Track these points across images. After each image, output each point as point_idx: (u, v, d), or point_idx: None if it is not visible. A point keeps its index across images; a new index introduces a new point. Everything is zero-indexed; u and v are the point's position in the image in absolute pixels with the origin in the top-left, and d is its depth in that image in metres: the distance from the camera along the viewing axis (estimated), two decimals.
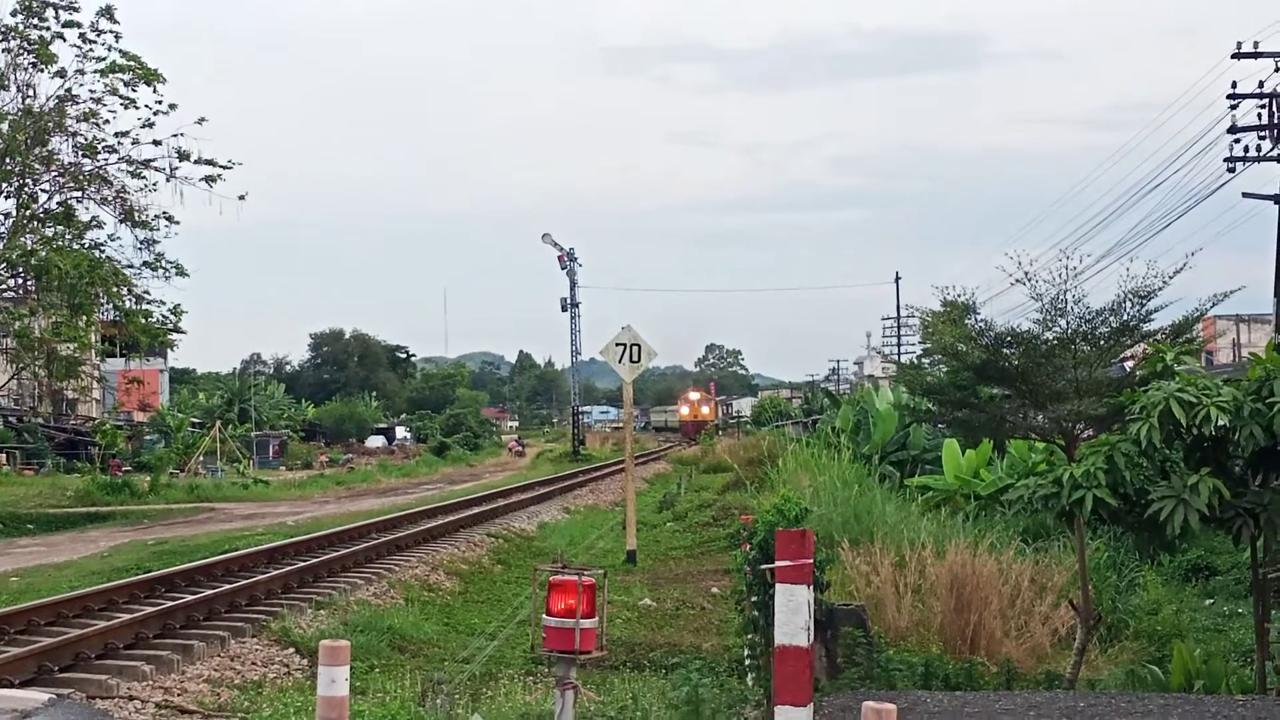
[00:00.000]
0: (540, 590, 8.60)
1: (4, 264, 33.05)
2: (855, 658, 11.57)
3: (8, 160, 32.91)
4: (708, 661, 12.90)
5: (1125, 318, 12.55)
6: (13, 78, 33.33)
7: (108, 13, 33.62)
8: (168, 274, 35.54)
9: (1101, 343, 12.71)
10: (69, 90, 33.77)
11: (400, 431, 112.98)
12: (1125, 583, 17.19)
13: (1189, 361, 11.31)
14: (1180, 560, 19.38)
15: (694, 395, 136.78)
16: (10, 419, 64.16)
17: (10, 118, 32.70)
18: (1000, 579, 14.47)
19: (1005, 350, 13.13)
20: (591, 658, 8.51)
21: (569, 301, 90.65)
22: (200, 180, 34.71)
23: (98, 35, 33.64)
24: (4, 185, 33.65)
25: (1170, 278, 12.35)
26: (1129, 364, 13.99)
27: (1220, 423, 9.83)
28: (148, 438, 69.32)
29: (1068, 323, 12.68)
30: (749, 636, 11.36)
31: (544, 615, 8.44)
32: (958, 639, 13.67)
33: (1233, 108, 37.65)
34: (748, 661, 11.57)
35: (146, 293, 35.36)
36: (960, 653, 13.20)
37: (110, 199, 34.76)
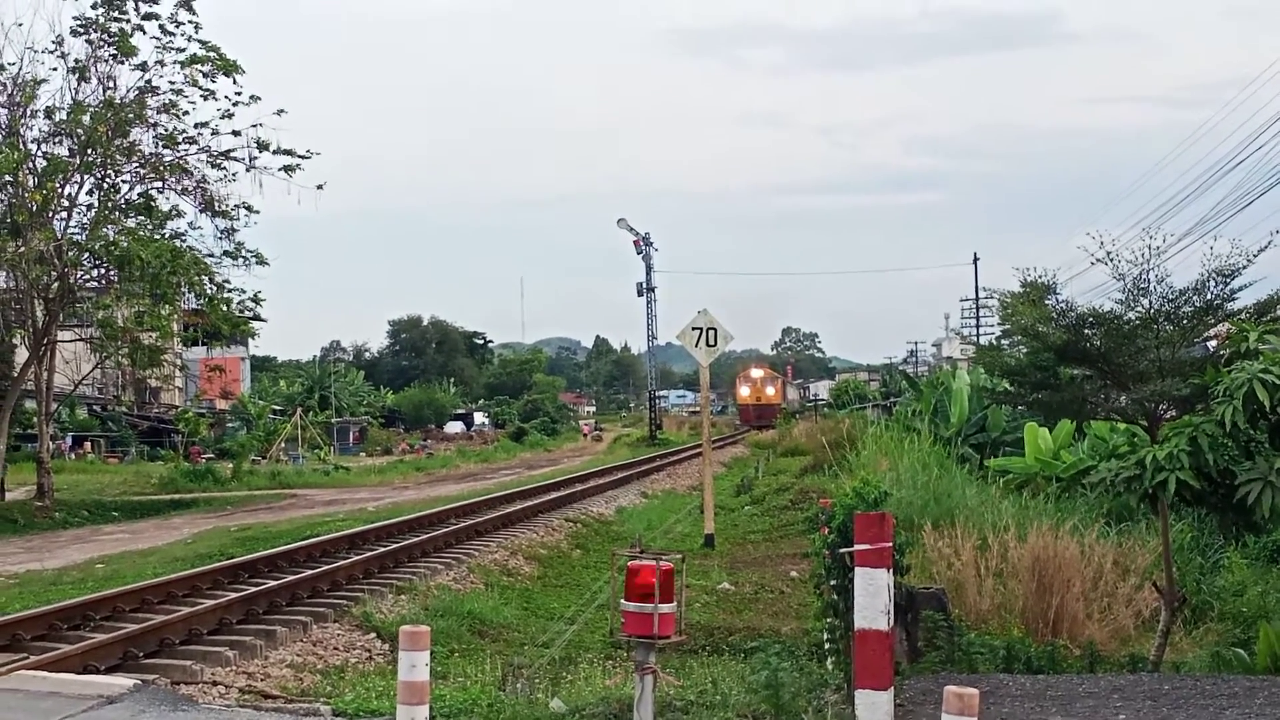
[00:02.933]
0: (618, 575, 8.60)
1: (87, 254, 33.45)
2: (936, 641, 11.51)
3: (89, 151, 33.28)
4: (787, 645, 12.84)
5: (1209, 297, 12.38)
6: (94, 70, 33.67)
7: (187, 4, 33.90)
8: (248, 263, 35.94)
9: (1185, 322, 12.56)
10: (149, 82, 34.09)
11: (478, 417, 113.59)
12: (1210, 564, 16.99)
13: (1273, 341, 11.12)
14: (1266, 541, 19.09)
15: (755, 373, 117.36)
16: (95, 408, 65.10)
17: (92, 109, 33.04)
18: (1083, 561, 14.36)
19: (1087, 331, 13.01)
20: (670, 642, 8.50)
21: (645, 286, 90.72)
22: (279, 170, 35.07)
23: (177, 27, 33.93)
24: (86, 176, 34.07)
25: (1254, 256, 12.18)
26: (1212, 343, 13.81)
27: None
28: (230, 425, 70.16)
29: (1150, 302, 12.54)
30: (828, 620, 11.30)
31: (622, 600, 8.44)
32: (1039, 622, 13.58)
33: None
34: (827, 645, 11.52)
35: (227, 281, 35.71)
36: (1042, 636, 13.12)
37: (190, 189, 35.12)
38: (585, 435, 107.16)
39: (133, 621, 15.45)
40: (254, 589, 17.42)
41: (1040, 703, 9.80)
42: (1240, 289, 12.36)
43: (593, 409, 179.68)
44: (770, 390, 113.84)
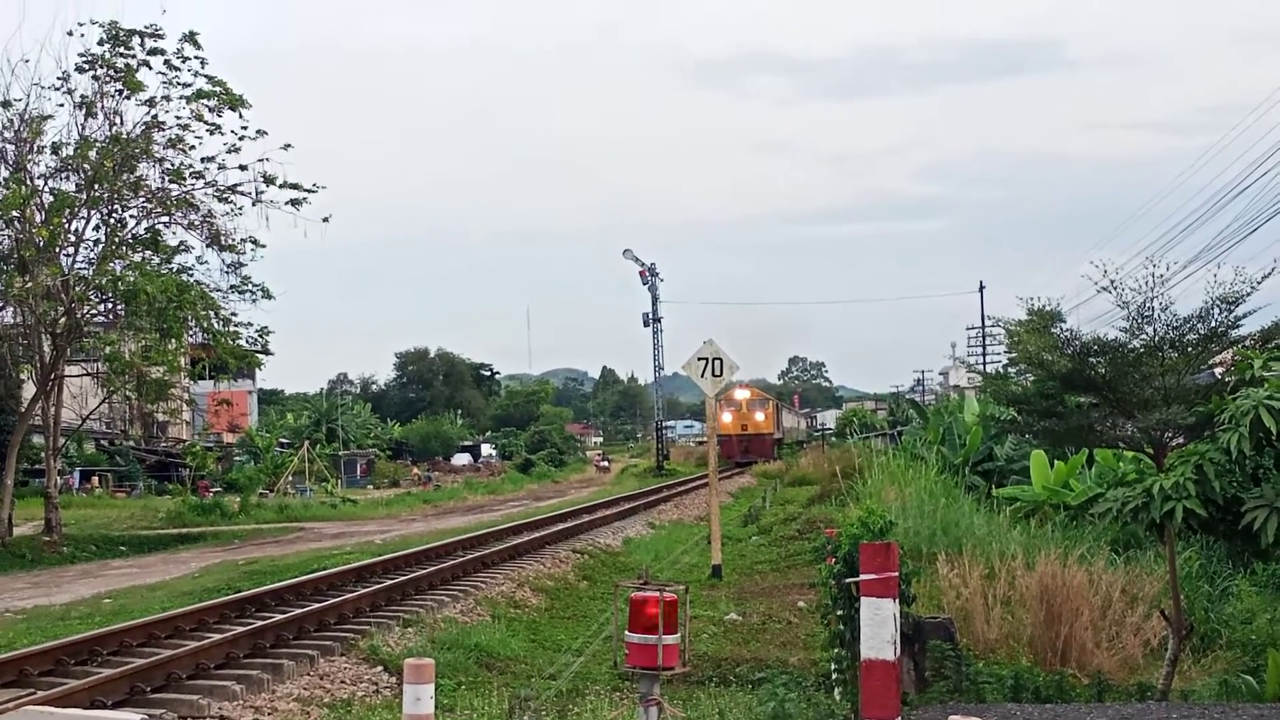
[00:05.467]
0: (622, 607, 8.58)
1: (94, 289, 33.54)
2: (943, 671, 11.47)
3: (96, 186, 33.40)
4: (794, 676, 12.83)
5: (1213, 324, 12.35)
6: (100, 105, 33.83)
7: (192, 39, 34.07)
8: (254, 297, 36.18)
9: (1189, 350, 12.52)
10: (155, 117, 34.25)
11: (486, 449, 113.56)
12: (1218, 591, 16.92)
13: (1278, 368, 11.11)
14: (1275, 568, 19.04)
15: (740, 394, 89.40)
16: (102, 442, 65.11)
17: (99, 145, 33.16)
18: (1091, 590, 14.31)
19: (1092, 359, 12.98)
20: (676, 673, 8.49)
21: (651, 316, 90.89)
22: (285, 204, 35.23)
23: (183, 62, 34.12)
24: (93, 212, 34.17)
25: (1259, 283, 12.15)
26: (1218, 370, 13.79)
27: None
28: (237, 458, 70.10)
29: (1155, 330, 12.52)
30: (835, 650, 11.30)
31: (626, 632, 8.42)
32: (1048, 651, 13.53)
33: None
34: (834, 676, 11.51)
35: (234, 315, 35.86)
36: (1050, 665, 13.06)
37: (197, 223, 35.29)
38: (595, 466, 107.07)
39: (140, 656, 15.45)
40: (261, 623, 17.39)
41: None
42: (1245, 316, 12.34)
43: (599, 439, 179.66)
44: (759, 416, 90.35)
